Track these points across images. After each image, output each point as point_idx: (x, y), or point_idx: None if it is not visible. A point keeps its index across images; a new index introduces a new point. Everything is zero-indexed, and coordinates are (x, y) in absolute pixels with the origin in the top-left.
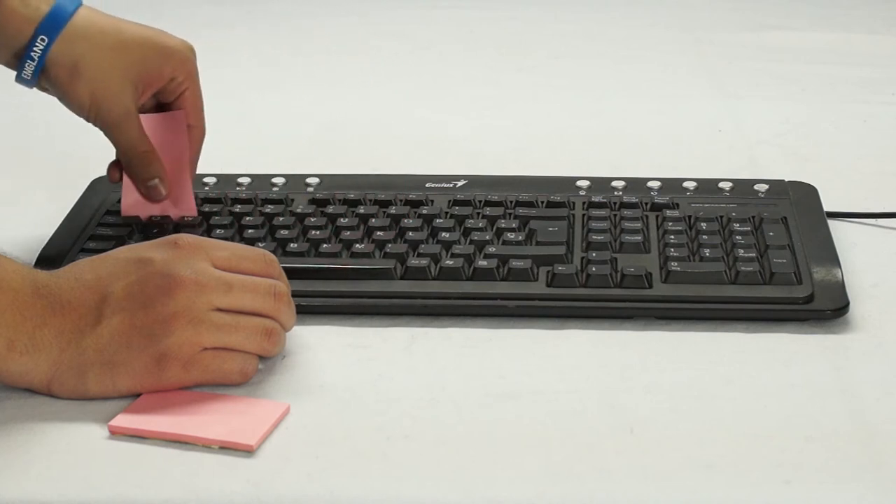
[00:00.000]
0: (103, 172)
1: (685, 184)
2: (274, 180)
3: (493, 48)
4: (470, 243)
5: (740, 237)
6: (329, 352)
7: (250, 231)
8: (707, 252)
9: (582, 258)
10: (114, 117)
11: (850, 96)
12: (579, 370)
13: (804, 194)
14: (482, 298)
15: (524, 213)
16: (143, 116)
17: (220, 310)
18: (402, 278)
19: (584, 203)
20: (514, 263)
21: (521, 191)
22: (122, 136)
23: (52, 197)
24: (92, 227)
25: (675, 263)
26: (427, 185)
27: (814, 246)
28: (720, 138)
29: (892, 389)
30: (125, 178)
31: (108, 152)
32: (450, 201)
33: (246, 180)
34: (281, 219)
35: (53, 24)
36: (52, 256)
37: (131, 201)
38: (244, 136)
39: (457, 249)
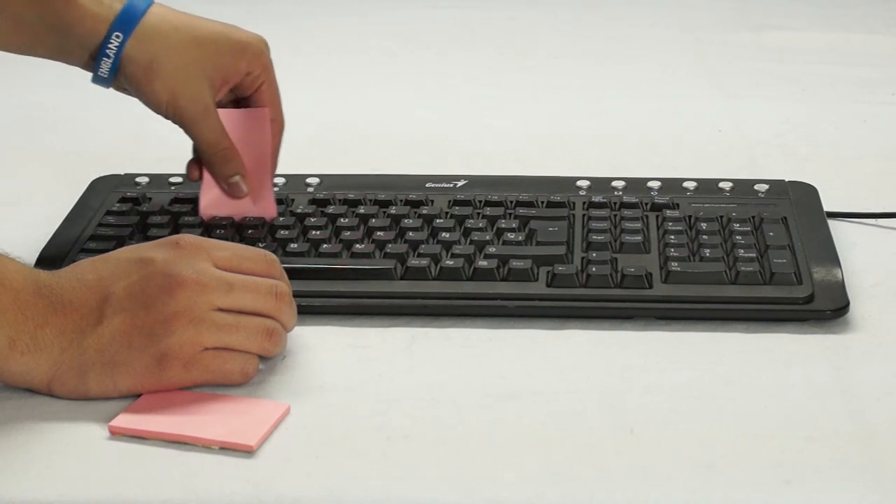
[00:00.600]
0: (103, 172)
1: (685, 184)
2: (274, 180)
3: (493, 48)
4: (470, 243)
5: (740, 237)
6: (329, 352)
7: (251, 231)
8: (707, 252)
9: (582, 258)
10: (192, 114)
11: (850, 96)
12: (579, 370)
13: (804, 194)
14: (482, 298)
15: (524, 213)
16: (223, 112)
17: (221, 310)
18: (402, 278)
19: (584, 203)
20: (515, 263)
21: (521, 191)
22: (201, 132)
23: (52, 197)
24: (92, 227)
25: (676, 263)
26: (427, 185)
27: (814, 246)
28: (720, 138)
29: (892, 389)
30: (204, 177)
31: (109, 152)
32: (450, 201)
33: None
34: (281, 219)
35: (127, 20)
36: (53, 256)
37: (208, 201)
38: None
39: (457, 249)
